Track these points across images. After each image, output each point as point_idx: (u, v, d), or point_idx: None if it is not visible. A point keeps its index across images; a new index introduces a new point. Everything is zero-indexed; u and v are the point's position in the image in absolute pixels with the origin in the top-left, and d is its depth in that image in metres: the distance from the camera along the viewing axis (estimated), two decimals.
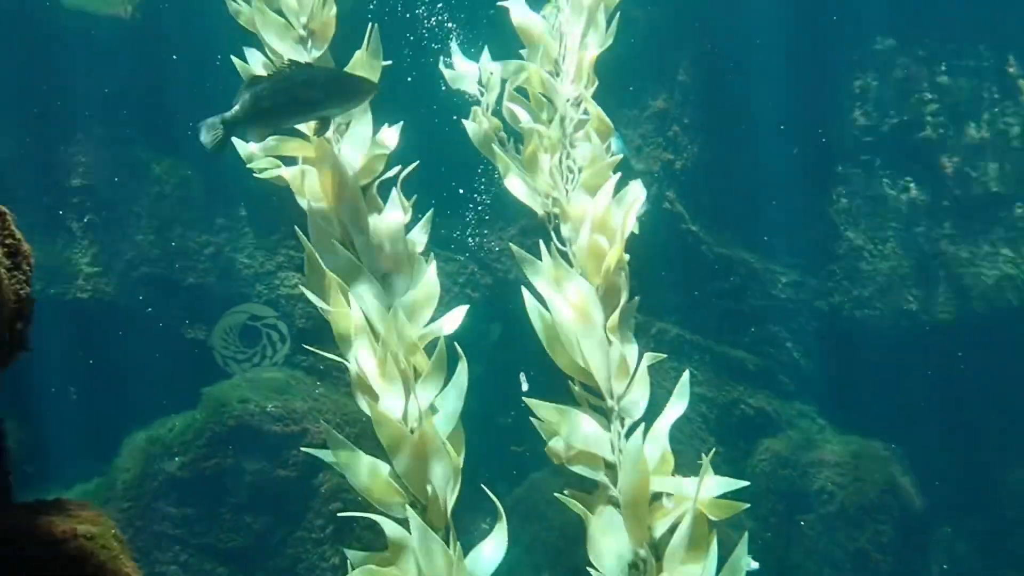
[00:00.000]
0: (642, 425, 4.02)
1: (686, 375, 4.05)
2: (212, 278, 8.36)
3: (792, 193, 9.19)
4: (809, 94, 8.95)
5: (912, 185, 9.12)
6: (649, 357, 4.11)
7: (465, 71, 5.10)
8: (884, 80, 9.09)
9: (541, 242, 4.34)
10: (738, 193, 9.16)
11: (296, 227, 4.36)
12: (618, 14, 5.12)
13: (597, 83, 4.99)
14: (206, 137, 4.12)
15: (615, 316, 4.12)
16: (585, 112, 4.88)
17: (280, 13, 4.51)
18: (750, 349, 9.20)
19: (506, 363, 5.70)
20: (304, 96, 4.08)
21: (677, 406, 3.95)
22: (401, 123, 4.68)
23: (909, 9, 8.86)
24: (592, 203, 4.34)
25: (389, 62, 4.58)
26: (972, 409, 8.72)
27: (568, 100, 4.91)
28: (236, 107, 4.14)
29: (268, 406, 7.56)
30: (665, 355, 4.23)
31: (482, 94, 5.11)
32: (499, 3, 5.31)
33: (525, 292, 4.16)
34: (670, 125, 9.07)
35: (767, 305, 9.23)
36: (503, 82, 5.08)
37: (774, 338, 9.28)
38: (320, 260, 4.21)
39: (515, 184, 4.81)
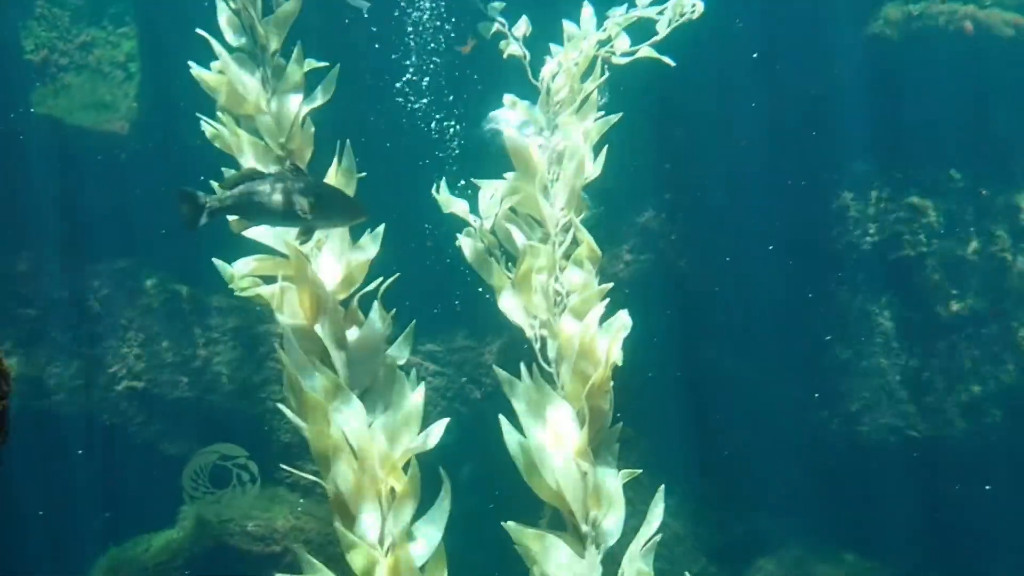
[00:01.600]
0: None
1: (660, 494, 3.92)
2: (196, 393, 8.19)
3: (778, 308, 9.18)
4: (793, 214, 9.02)
5: (895, 302, 9.10)
6: (625, 475, 3.98)
7: (456, 205, 5.14)
8: (864, 200, 9.17)
9: (523, 365, 4.27)
10: (727, 307, 9.14)
11: (276, 345, 4.25)
12: (605, 147, 5.21)
13: (586, 211, 5.07)
14: (185, 207, 4.06)
15: (595, 440, 4.00)
16: (574, 238, 4.91)
17: (258, 133, 4.52)
18: (742, 464, 9.03)
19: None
20: (296, 206, 4.02)
21: (651, 525, 3.81)
22: (382, 226, 4.63)
23: (887, 134, 9.00)
24: (580, 328, 4.29)
25: (363, 174, 4.57)
26: (966, 528, 8.51)
27: (558, 225, 4.93)
28: (228, 194, 4.08)
29: (249, 525, 7.30)
30: (640, 470, 4.09)
31: (476, 218, 5.15)
32: (489, 127, 5.39)
33: (502, 417, 4.07)
34: (656, 240, 9.10)
35: (758, 420, 9.10)
36: (500, 201, 5.10)
37: (766, 453, 9.12)
38: (299, 378, 4.09)
39: (508, 303, 4.77)
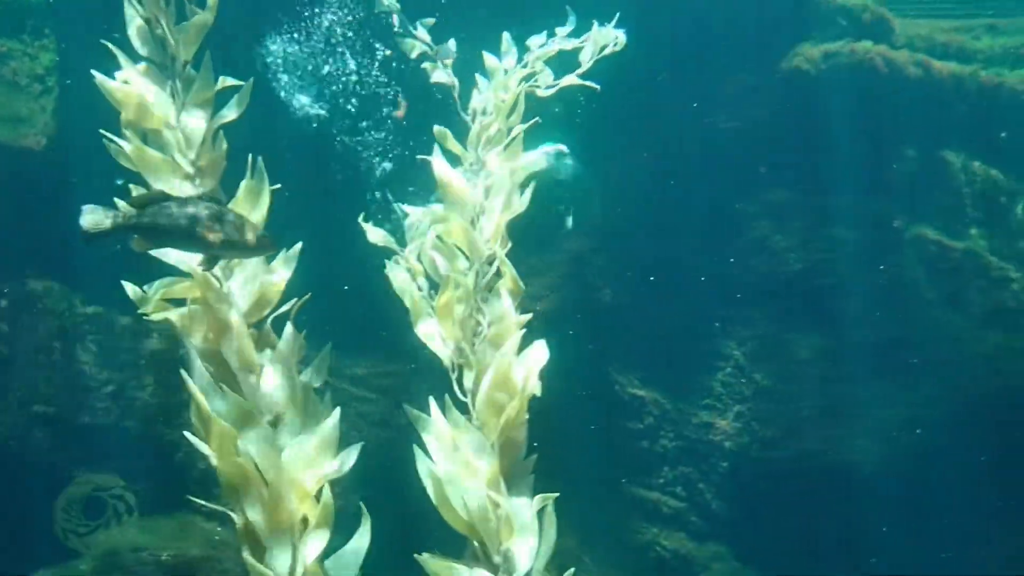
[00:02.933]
0: None
1: (549, 507, 3.85)
2: (110, 418, 7.87)
3: (700, 336, 9.24)
4: (713, 242, 9.11)
5: (812, 330, 9.23)
6: (540, 500, 3.90)
7: (378, 234, 5.08)
8: (783, 229, 9.30)
9: (432, 400, 4.17)
10: (648, 334, 9.16)
11: (182, 371, 4.07)
12: (532, 184, 5.23)
13: (511, 244, 5.07)
14: (88, 223, 3.86)
15: (509, 471, 3.92)
16: (498, 270, 4.89)
17: (167, 149, 4.35)
18: (663, 490, 9.03)
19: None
20: (203, 233, 3.86)
21: (545, 544, 3.75)
22: (298, 247, 4.49)
23: (805, 165, 9.15)
24: (496, 358, 4.22)
25: (278, 186, 4.43)
26: (884, 550, 8.61)
27: (483, 257, 4.92)
28: (134, 214, 3.90)
29: (163, 555, 6.99)
30: (557, 494, 4.02)
31: (405, 244, 5.11)
32: (420, 157, 5.35)
33: (416, 447, 3.96)
34: (583, 267, 9.09)
35: (679, 446, 9.11)
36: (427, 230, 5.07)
37: (687, 479, 9.13)
38: (206, 404, 3.91)
39: (426, 330, 4.71)
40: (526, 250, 8.41)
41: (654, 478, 9.02)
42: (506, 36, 5.96)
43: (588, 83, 6.00)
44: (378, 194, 7.62)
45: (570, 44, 5.95)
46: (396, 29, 5.92)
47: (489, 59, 5.87)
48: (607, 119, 8.37)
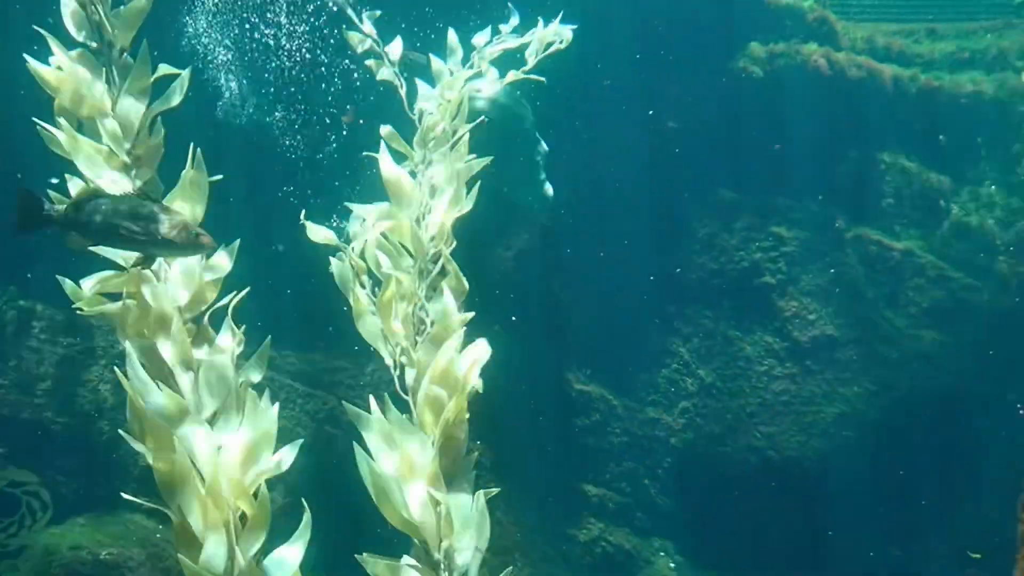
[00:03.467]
0: None
1: (481, 500, 3.85)
2: (50, 413, 7.68)
3: (647, 333, 9.30)
4: (659, 240, 9.17)
5: (757, 327, 9.33)
6: (483, 495, 3.89)
7: (322, 233, 5.04)
8: (729, 229, 9.39)
9: (372, 398, 4.14)
10: (596, 331, 9.19)
11: (114, 367, 3.97)
12: (478, 183, 5.24)
13: (455, 243, 5.06)
14: (23, 212, 3.77)
15: (450, 469, 3.89)
16: (443, 268, 4.87)
17: (102, 138, 4.24)
18: (609, 486, 9.06)
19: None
20: (138, 232, 3.77)
21: (480, 539, 3.74)
22: (237, 242, 4.42)
23: (751, 165, 9.25)
24: (437, 356, 4.20)
25: (220, 177, 4.36)
26: (826, 545, 8.72)
27: (428, 255, 4.91)
28: (69, 208, 3.81)
29: (102, 553, 6.84)
30: (499, 488, 4.01)
31: (348, 241, 5.08)
32: (365, 154, 5.31)
33: (356, 445, 3.92)
34: (531, 264, 9.08)
35: (626, 442, 9.16)
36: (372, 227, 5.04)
37: (632, 475, 9.19)
38: (141, 401, 3.82)
39: (367, 327, 4.67)
40: (473, 246, 8.44)
41: (600, 474, 9.05)
42: (452, 35, 5.93)
43: (533, 76, 6.00)
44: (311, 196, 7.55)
45: (515, 42, 5.94)
46: (347, 16, 5.85)
47: (435, 61, 5.85)
48: (553, 118, 8.39)
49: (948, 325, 9.17)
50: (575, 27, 6.32)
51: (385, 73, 5.74)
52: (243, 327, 4.17)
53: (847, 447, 8.98)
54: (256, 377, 4.17)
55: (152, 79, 4.37)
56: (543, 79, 6.12)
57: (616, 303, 9.10)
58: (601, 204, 8.96)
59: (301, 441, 4.01)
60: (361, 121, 7.22)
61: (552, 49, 6.02)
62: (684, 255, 9.33)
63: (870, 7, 10.35)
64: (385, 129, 5.48)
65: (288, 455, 3.93)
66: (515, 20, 6.09)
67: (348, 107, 7.60)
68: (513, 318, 8.32)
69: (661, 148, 9.05)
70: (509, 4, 6.87)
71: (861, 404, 9.09)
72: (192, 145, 4.27)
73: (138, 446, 3.83)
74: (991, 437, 8.85)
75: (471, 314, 4.43)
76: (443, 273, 4.90)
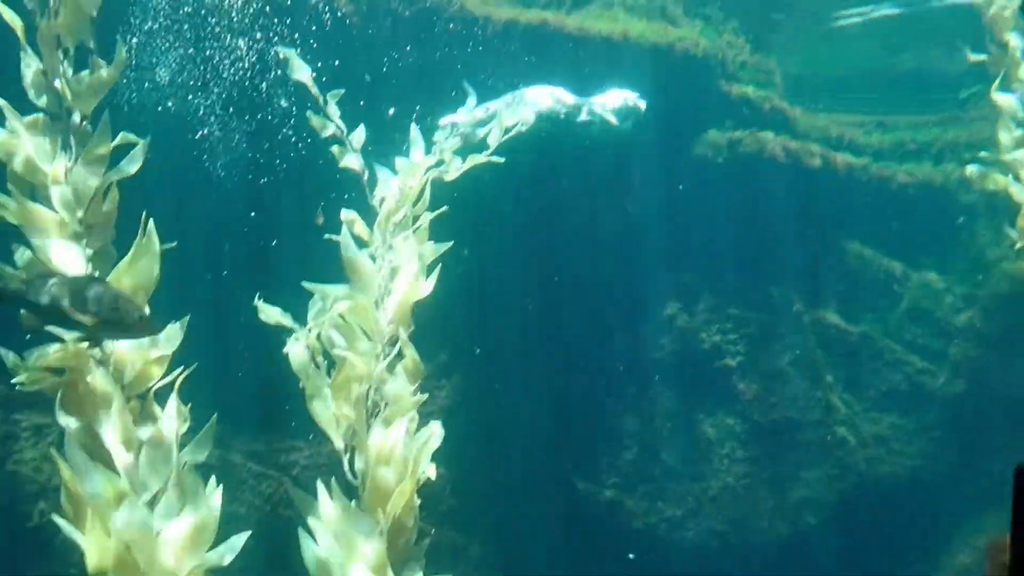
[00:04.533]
0: None
1: None
2: None
3: (607, 416, 9.22)
4: (621, 321, 9.17)
5: (718, 409, 9.30)
6: None
7: (274, 313, 5.03)
8: (690, 310, 9.43)
9: (320, 483, 4.04)
10: (558, 411, 9.09)
11: (52, 449, 3.85)
12: (439, 266, 5.28)
13: (413, 327, 5.09)
14: None
15: (400, 553, 3.77)
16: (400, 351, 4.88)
17: (55, 205, 4.18)
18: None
19: None
20: (84, 316, 3.70)
21: None
22: (187, 318, 4.34)
23: (711, 248, 9.34)
24: (388, 439, 4.13)
25: (173, 244, 4.30)
26: None
27: (386, 337, 4.92)
28: (17, 287, 3.75)
29: None
30: (450, 574, 3.90)
31: (303, 325, 5.07)
32: (327, 238, 5.34)
33: (301, 531, 3.80)
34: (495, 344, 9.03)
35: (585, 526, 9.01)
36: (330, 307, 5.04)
37: (593, 560, 9.01)
38: (78, 484, 3.69)
39: (318, 410, 4.61)
40: (437, 322, 8.39)
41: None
42: (414, 129, 6.05)
43: (495, 158, 6.07)
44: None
45: (480, 132, 6.04)
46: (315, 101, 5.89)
47: (399, 161, 5.94)
48: (516, 200, 8.47)
49: (905, 409, 9.21)
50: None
51: (349, 161, 5.79)
52: (189, 405, 4.08)
53: (808, 531, 8.90)
54: (201, 457, 4.05)
55: (112, 146, 4.34)
56: (502, 159, 6.19)
57: (576, 384, 9.05)
58: (563, 286, 8.97)
59: (249, 533, 3.88)
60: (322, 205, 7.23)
61: (514, 132, 6.11)
62: (646, 336, 9.33)
63: (823, 98, 10.63)
64: (347, 213, 5.53)
65: (233, 548, 3.80)
66: (472, 101, 6.19)
67: (319, 209, 7.61)
68: (470, 399, 8.24)
69: (622, 231, 9.13)
70: (465, 84, 6.99)
71: (821, 488, 9.04)
72: (144, 214, 4.23)
73: (72, 531, 3.68)
74: (949, 522, 8.82)
75: (424, 396, 4.37)
76: (400, 355, 4.90)
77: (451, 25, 8.67)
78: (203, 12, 7.80)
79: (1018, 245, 6.46)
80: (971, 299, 9.38)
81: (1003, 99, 6.80)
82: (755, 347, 9.37)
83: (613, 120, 8.15)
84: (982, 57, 6.99)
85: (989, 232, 9.42)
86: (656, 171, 9.23)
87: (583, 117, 8.24)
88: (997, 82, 6.83)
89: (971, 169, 6.69)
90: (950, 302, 9.44)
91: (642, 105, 8.36)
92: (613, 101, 8.42)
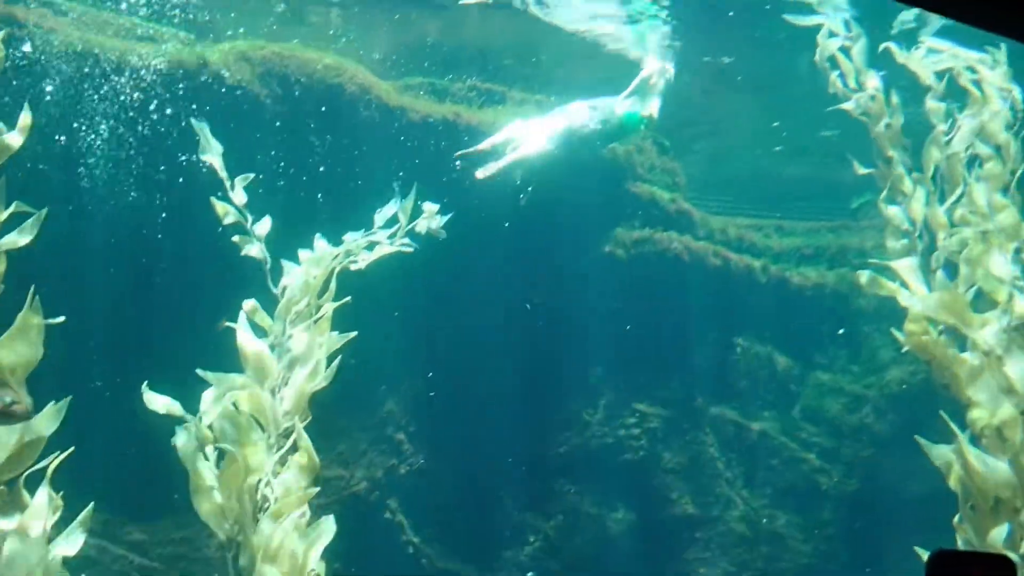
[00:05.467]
0: None
1: None
2: None
3: (510, 510, 9.08)
4: (525, 416, 9.12)
5: (619, 504, 9.26)
6: None
7: (162, 402, 4.86)
8: (594, 404, 9.45)
9: None
10: (460, 505, 8.92)
11: None
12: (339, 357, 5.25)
13: (310, 418, 4.99)
14: None
15: None
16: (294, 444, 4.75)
17: None
18: None
19: None
20: None
21: None
22: (66, 400, 4.13)
23: (614, 343, 9.43)
24: (276, 533, 3.96)
25: (62, 319, 4.12)
26: None
27: (281, 428, 4.79)
28: None
29: None
30: None
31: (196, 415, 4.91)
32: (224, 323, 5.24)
33: None
34: (395, 431, 8.86)
35: None
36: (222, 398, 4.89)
37: None
38: None
39: (203, 503, 4.41)
40: (337, 412, 8.22)
41: None
42: (318, 241, 6.06)
43: (404, 247, 6.08)
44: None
45: (383, 235, 6.06)
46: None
47: (302, 253, 5.90)
48: (424, 296, 8.47)
49: (801, 507, 9.32)
50: (451, 215, 6.55)
51: (253, 250, 5.72)
52: (61, 492, 3.85)
53: None
54: (71, 550, 3.80)
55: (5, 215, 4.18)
56: (412, 248, 6.22)
57: (480, 478, 8.91)
58: (469, 379, 8.91)
59: None
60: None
61: (436, 222, 6.18)
62: (550, 430, 9.29)
63: (725, 202, 11.02)
64: (248, 303, 5.45)
65: None
66: (393, 207, 6.22)
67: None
68: (371, 490, 8.03)
69: (529, 325, 9.17)
70: (395, 187, 7.00)
71: None
72: (32, 289, 4.06)
73: None
74: None
75: (315, 490, 4.23)
76: (295, 448, 4.77)
77: (367, 113, 8.76)
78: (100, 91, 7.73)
79: (906, 348, 6.71)
80: (863, 399, 9.65)
81: (890, 210, 7.14)
82: (657, 442, 9.43)
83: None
84: (870, 170, 7.36)
85: (880, 335, 9.77)
86: (565, 266, 9.36)
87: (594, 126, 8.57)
88: (884, 193, 7.19)
89: (863, 274, 6.96)
90: (844, 402, 9.70)
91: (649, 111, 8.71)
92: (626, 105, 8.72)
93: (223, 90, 8.20)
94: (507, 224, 8.93)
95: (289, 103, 8.48)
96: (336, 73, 8.69)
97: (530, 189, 8.69)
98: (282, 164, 8.33)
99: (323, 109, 8.59)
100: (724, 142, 11.40)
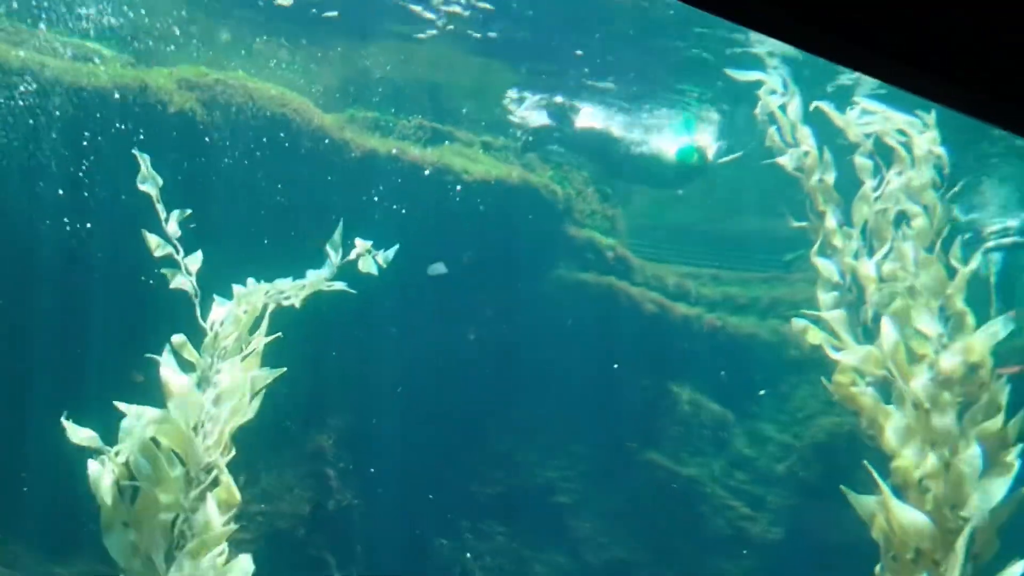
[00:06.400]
0: None
1: None
2: None
3: (438, 549, 8.93)
4: (456, 454, 9.01)
5: (548, 546, 9.17)
6: None
7: (82, 434, 4.71)
8: (526, 445, 9.38)
9: None
10: (390, 544, 8.74)
11: None
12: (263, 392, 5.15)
13: (233, 452, 4.87)
14: None
15: None
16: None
17: None
18: None
19: None
20: None
21: None
22: None
23: (550, 384, 9.39)
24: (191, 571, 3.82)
25: None
26: None
27: (202, 464, 4.65)
28: None
29: None
30: None
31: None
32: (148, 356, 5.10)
33: None
34: (325, 466, 8.66)
35: None
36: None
37: None
38: None
39: (115, 540, 4.24)
40: (265, 447, 8.01)
41: None
42: (251, 281, 5.96)
43: (337, 285, 5.99)
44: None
45: (289, 286, 5.97)
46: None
47: (236, 288, 5.79)
48: (360, 332, 8.36)
49: (729, 554, 9.32)
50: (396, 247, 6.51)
51: (179, 282, 5.60)
52: None
53: None
54: None
55: None
56: (347, 288, 6.15)
57: (411, 516, 8.75)
58: (403, 416, 8.78)
59: None
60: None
61: (379, 256, 6.16)
62: (481, 470, 9.19)
63: (663, 250, 11.14)
64: (177, 338, 5.34)
65: None
66: (335, 257, 6.14)
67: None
68: (295, 524, 7.81)
69: (465, 364, 9.10)
70: (341, 223, 6.87)
71: None
72: None
73: None
74: None
75: (232, 528, 4.09)
76: (217, 483, 4.62)
77: (310, 145, 8.68)
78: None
79: (835, 398, 6.80)
80: (791, 448, 9.74)
81: (822, 263, 7.28)
82: (589, 484, 9.37)
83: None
84: (803, 224, 7.51)
85: (808, 386, 9.90)
86: (502, 307, 9.33)
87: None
88: (816, 247, 7.33)
89: (794, 324, 7.07)
90: (772, 451, 9.78)
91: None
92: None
93: (165, 115, 8.05)
94: (446, 261, 8.89)
95: (232, 132, 8.36)
96: (280, 103, 8.61)
97: (470, 252, 8.75)
98: (223, 194, 8.19)
99: (265, 140, 8.48)
100: (664, 191, 11.54)
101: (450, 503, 8.92)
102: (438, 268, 8.48)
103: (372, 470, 8.72)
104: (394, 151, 9.07)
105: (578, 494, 9.33)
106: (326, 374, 8.31)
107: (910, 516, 5.60)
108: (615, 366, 9.50)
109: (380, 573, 8.65)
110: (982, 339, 6.34)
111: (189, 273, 5.62)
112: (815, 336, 6.89)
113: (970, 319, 6.49)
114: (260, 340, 5.33)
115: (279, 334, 5.65)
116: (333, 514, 8.42)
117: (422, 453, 8.75)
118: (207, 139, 8.25)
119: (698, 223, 12.06)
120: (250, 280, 5.81)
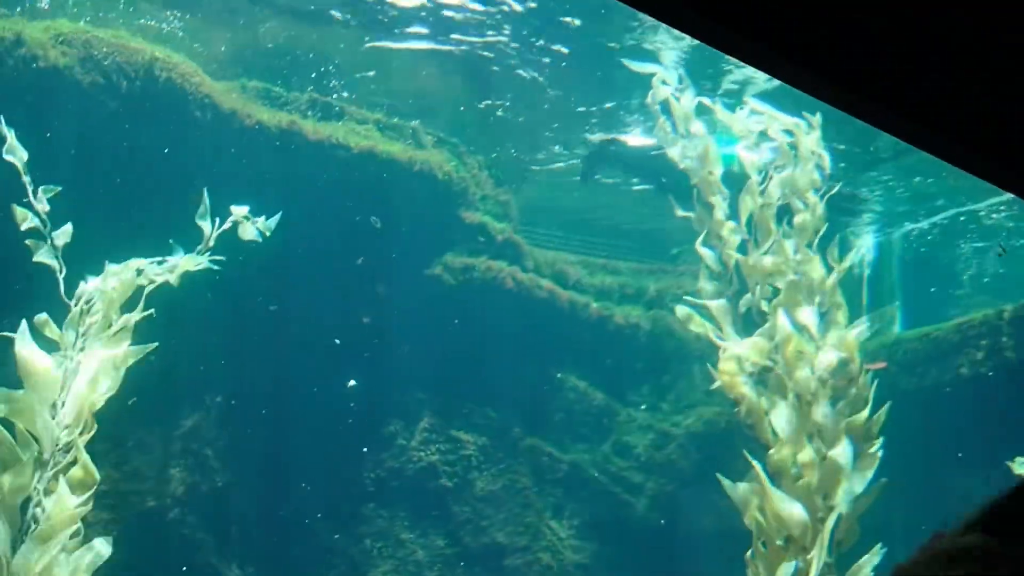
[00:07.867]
0: None
1: None
2: None
3: (318, 532, 8.68)
4: (338, 436, 8.78)
5: (430, 530, 9.05)
6: None
7: None
8: (410, 429, 9.22)
9: None
10: (266, 524, 8.44)
11: None
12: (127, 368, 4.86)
13: (95, 430, 4.58)
14: None
15: None
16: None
17: None
18: None
19: None
20: None
21: None
22: None
23: (438, 367, 9.24)
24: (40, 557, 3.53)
25: None
26: None
27: (59, 444, 4.36)
28: None
29: None
30: None
31: None
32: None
33: None
34: (202, 446, 8.29)
35: None
36: None
37: None
38: None
39: None
40: (136, 425, 7.60)
41: None
42: (135, 261, 5.63)
43: (211, 262, 5.72)
44: None
45: (182, 259, 5.67)
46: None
47: (109, 265, 5.45)
48: (241, 309, 8.02)
49: (607, 538, 9.40)
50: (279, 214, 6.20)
51: (43, 255, 5.23)
52: None
53: None
54: None
55: None
56: (217, 265, 5.88)
57: (289, 497, 8.47)
58: (284, 397, 8.48)
59: None
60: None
61: (261, 224, 5.89)
62: (363, 453, 8.98)
63: (555, 237, 11.13)
64: (39, 317, 4.99)
65: None
66: (208, 229, 5.83)
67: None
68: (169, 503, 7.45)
69: (350, 344, 8.86)
70: (204, 191, 6.50)
71: None
72: None
73: None
74: None
75: (88, 508, 3.82)
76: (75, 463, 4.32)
77: (197, 114, 8.25)
78: None
79: (715, 387, 6.89)
80: (670, 436, 9.89)
81: (705, 252, 7.36)
82: (471, 469, 9.29)
83: None
84: (690, 215, 7.57)
85: (689, 376, 10.06)
86: (391, 287, 9.12)
87: None
88: (702, 237, 7.40)
89: (678, 311, 7.13)
90: (652, 438, 9.90)
91: None
92: None
93: (39, 72, 7.51)
94: (334, 240, 8.63)
95: (112, 94, 7.87)
96: (166, 67, 8.15)
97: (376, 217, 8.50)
98: (99, 161, 7.70)
99: (148, 105, 8.02)
100: (561, 176, 11.52)
101: (331, 486, 8.69)
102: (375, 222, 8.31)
103: (249, 450, 8.40)
104: (285, 124, 8.73)
105: (460, 478, 9.23)
106: (202, 353, 7.93)
107: (785, 505, 5.70)
108: (500, 352, 9.43)
109: (256, 554, 8.36)
110: (853, 335, 6.53)
111: (55, 247, 5.27)
112: (698, 324, 6.96)
113: (843, 315, 6.67)
114: (127, 317, 5.02)
115: (151, 311, 5.34)
116: (208, 495, 8.06)
117: (305, 435, 8.48)
118: (86, 102, 7.74)
119: (590, 213, 12.09)
120: (133, 259, 5.48)
